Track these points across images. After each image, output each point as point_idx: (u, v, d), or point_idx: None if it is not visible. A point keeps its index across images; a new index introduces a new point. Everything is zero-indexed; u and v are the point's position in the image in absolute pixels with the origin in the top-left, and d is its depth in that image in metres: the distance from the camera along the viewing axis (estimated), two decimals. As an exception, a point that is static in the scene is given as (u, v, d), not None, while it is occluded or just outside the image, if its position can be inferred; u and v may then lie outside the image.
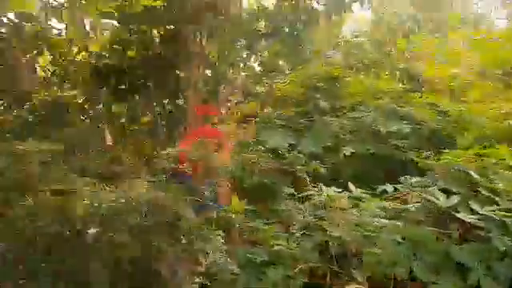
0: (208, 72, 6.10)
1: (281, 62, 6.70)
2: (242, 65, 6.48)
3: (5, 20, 4.86)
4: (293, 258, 2.85)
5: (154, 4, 5.33)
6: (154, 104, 6.30)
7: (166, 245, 2.17)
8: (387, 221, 3.01)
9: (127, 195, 2.23)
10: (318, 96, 5.82)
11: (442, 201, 3.11)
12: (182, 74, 5.90)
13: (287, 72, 6.71)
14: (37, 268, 2.04)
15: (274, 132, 5.04)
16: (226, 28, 5.69)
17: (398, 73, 6.89)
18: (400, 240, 2.85)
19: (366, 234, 2.81)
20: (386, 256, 2.73)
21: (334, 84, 6.39)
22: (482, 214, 2.97)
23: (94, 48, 6.09)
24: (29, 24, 4.89)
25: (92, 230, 2.11)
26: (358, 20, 8.77)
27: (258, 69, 6.71)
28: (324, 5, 6.26)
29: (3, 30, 4.67)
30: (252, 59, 6.66)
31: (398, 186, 3.83)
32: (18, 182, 2.24)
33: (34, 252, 2.03)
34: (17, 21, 4.88)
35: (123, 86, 6.01)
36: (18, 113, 5.07)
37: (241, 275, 2.74)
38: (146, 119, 6.35)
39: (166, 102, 6.29)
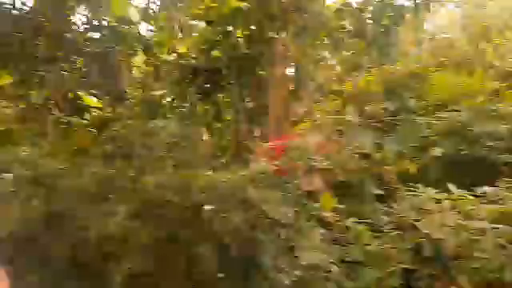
0: (292, 70, 6.14)
1: (363, 60, 6.57)
2: (324, 63, 6.45)
3: (105, 23, 5.25)
4: (386, 258, 2.80)
5: (239, 5, 5.51)
6: (238, 102, 6.46)
7: (268, 238, 2.25)
8: (488, 224, 2.87)
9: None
10: (405, 94, 5.67)
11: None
12: (266, 73, 5.99)
13: (369, 69, 6.60)
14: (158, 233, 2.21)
15: (358, 131, 4.97)
16: (310, 26, 5.69)
17: (491, 70, 6.51)
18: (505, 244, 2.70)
19: (469, 236, 2.70)
20: (491, 260, 2.59)
21: (418, 82, 6.21)
22: None
23: (182, 49, 6.39)
24: (125, 27, 5.23)
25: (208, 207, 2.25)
26: (445, 15, 8.39)
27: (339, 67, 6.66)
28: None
29: (105, 33, 5.02)
30: (334, 57, 6.61)
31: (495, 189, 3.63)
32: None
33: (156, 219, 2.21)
34: (116, 24, 5.24)
35: (209, 85, 6.24)
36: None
37: (333, 273, 2.74)
38: (228, 117, 6.55)
39: (249, 100, 6.43)
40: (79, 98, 5.13)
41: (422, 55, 6.97)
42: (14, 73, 4.71)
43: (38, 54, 4.51)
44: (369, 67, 6.76)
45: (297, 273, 2.37)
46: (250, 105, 6.50)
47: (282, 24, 5.61)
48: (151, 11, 4.92)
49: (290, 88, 6.05)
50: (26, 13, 4.51)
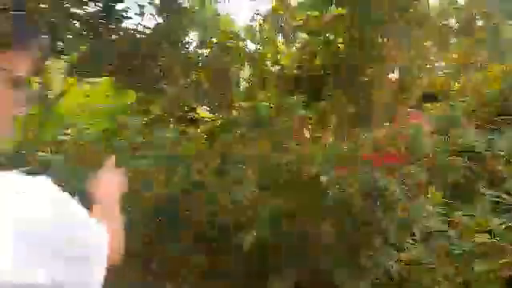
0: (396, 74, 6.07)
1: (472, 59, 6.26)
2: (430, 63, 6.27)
3: (214, 40, 5.74)
4: (498, 250, 2.69)
5: (341, 12, 5.64)
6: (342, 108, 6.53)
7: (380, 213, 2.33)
8: None
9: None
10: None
11: None
12: (368, 78, 6.00)
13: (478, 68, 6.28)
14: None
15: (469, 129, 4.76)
16: (414, 28, 5.61)
17: None
18: None
19: None
20: None
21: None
22: None
23: (284, 60, 6.68)
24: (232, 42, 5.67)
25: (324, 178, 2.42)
26: None
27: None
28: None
29: (214, 49, 5.50)
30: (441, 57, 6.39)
31: None
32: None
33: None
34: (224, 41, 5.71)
35: (312, 94, 6.42)
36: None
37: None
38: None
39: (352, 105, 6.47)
40: (193, 109, 5.65)
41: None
42: (138, 90, 5.37)
43: (158, 71, 5.12)
44: (478, 66, 6.44)
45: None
46: (354, 110, 6.54)
47: (385, 27, 5.62)
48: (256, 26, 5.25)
49: (395, 90, 6.00)
50: (148, 35, 5.13)
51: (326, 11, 5.28)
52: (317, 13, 5.53)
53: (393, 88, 5.64)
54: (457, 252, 2.74)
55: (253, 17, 5.24)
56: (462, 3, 5.87)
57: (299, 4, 5.10)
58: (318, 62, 6.45)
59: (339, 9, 5.39)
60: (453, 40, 6.09)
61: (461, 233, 2.87)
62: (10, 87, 0.76)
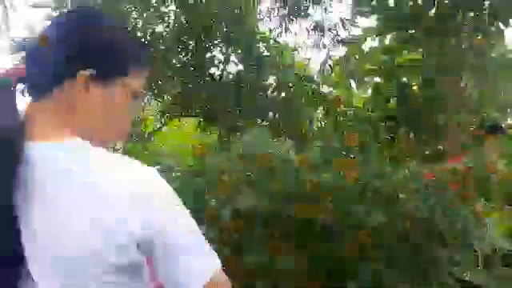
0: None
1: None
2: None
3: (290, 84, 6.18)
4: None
5: (417, 57, 5.85)
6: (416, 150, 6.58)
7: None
8: None
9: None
10: None
11: None
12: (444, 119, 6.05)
13: None
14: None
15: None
16: (487, 67, 5.66)
17: None
18: None
19: None
20: None
21: None
22: None
23: (357, 102, 6.93)
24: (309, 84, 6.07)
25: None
26: None
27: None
28: None
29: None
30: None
31: None
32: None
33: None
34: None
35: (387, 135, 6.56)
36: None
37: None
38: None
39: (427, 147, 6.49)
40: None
41: None
42: (220, 125, 5.89)
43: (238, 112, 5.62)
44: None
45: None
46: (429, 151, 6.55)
47: (458, 69, 5.71)
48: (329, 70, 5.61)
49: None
50: (232, 80, 5.70)
51: (399, 55, 5.50)
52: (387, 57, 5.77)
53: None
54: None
55: (326, 60, 5.60)
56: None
57: (371, 49, 5.39)
58: (391, 105, 6.62)
59: (413, 53, 5.59)
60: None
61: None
62: (130, 99, 0.97)
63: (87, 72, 0.88)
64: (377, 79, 6.54)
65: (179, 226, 0.91)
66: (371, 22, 5.14)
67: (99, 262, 0.82)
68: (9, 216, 0.82)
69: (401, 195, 2.74)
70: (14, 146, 0.83)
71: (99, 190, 0.83)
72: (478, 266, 2.96)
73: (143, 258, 0.89)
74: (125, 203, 0.83)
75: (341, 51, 5.53)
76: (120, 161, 0.90)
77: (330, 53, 5.36)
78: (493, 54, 6.43)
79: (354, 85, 6.73)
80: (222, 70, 6.06)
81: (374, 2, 4.90)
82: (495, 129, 4.55)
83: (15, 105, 0.88)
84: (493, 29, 5.40)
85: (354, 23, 5.09)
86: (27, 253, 0.83)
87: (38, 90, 0.91)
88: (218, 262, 0.94)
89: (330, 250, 2.65)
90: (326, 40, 5.16)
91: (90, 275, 0.83)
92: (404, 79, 6.24)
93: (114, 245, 0.82)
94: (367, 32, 5.14)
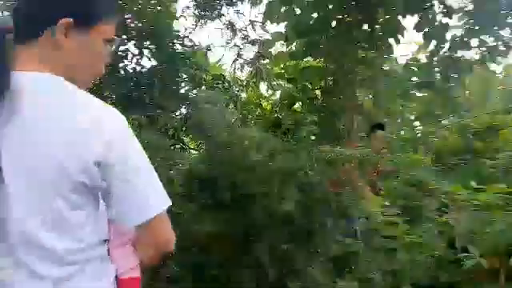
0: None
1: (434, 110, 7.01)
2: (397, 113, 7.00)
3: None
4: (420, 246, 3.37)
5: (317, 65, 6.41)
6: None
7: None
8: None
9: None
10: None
11: None
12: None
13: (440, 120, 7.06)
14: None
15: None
16: (379, 79, 6.38)
17: None
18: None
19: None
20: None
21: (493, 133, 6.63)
22: None
23: (266, 105, 7.36)
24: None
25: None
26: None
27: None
28: (480, 53, 6.53)
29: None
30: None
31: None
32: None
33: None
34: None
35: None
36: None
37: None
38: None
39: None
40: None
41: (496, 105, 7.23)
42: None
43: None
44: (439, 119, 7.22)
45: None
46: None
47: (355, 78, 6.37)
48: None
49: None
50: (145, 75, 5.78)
51: (302, 61, 5.98)
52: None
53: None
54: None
55: (236, 60, 5.91)
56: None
57: (277, 54, 5.81)
58: (297, 107, 7.15)
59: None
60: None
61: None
62: (104, 45, 1.11)
63: (66, 20, 1.03)
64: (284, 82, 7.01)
65: (138, 155, 1.05)
66: (281, 27, 5.56)
67: (66, 178, 0.97)
68: None
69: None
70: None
71: (72, 116, 0.99)
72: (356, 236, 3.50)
73: (102, 184, 1.02)
74: (92, 128, 0.99)
75: (252, 53, 5.87)
76: (89, 95, 1.06)
77: (241, 53, 5.68)
78: (385, 67, 7.25)
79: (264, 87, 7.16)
80: (136, 65, 6.09)
81: (283, 9, 5.33)
82: (379, 127, 5.23)
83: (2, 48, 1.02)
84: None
85: (264, 27, 5.48)
86: (3, 163, 0.96)
87: (24, 38, 1.05)
88: (169, 200, 1.09)
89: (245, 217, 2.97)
90: (237, 40, 5.47)
91: (58, 189, 0.98)
92: (308, 84, 6.75)
93: (78, 163, 0.97)
94: (276, 37, 5.55)
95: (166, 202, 1.08)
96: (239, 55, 5.41)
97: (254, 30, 4.95)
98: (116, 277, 1.15)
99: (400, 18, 6.13)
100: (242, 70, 5.76)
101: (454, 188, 4.38)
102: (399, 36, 6.56)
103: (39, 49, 1.04)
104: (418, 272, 3.59)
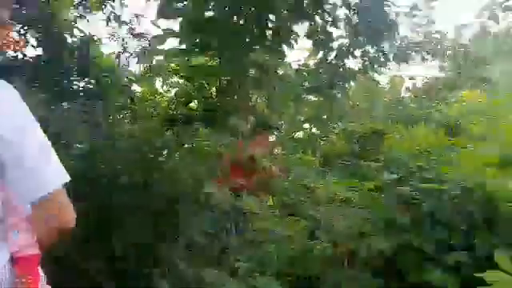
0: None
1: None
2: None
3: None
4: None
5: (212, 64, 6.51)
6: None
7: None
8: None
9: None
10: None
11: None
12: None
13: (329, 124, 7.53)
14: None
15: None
16: (273, 82, 6.66)
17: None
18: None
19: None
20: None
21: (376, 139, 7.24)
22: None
23: (162, 102, 7.30)
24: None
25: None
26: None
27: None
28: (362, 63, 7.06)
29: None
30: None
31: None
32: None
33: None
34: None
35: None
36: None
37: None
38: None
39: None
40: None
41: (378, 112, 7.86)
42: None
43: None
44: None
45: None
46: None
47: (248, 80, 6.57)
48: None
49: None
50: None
51: (192, 59, 6.03)
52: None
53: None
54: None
55: (120, 53, 5.81)
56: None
57: (169, 50, 5.81)
58: (193, 105, 7.19)
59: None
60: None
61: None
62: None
63: None
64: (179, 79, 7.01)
65: (34, 131, 1.05)
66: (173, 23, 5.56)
67: None
68: None
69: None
70: None
71: None
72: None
73: None
74: None
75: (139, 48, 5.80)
76: None
77: (126, 46, 5.59)
78: (280, 71, 7.56)
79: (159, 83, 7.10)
80: (19, 53, 5.77)
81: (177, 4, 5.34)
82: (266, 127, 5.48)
83: None
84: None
85: (155, 22, 5.45)
86: None
87: None
88: (67, 176, 1.08)
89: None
90: (122, 32, 5.39)
91: None
92: (203, 82, 6.83)
93: None
94: (168, 33, 5.54)
95: (64, 178, 1.07)
96: (125, 49, 5.34)
97: (139, 24, 4.91)
98: (12, 256, 1.14)
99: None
100: (128, 64, 5.68)
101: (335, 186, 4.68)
102: (293, 42, 6.93)
103: None
104: (283, 261, 3.82)
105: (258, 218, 3.97)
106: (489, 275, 2.83)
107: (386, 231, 3.68)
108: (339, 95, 7.14)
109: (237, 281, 3.50)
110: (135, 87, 6.97)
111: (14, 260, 1.13)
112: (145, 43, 5.60)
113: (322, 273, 3.71)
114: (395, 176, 4.09)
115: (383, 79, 9.13)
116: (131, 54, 5.66)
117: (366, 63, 6.95)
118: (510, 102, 7.67)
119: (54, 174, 1.07)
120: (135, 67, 6.16)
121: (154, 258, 3.17)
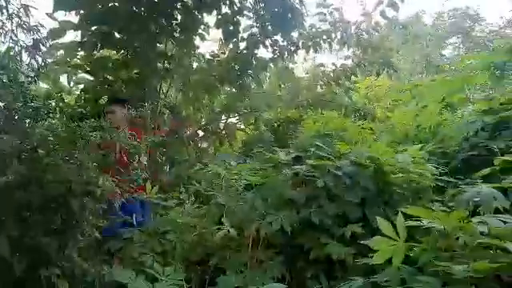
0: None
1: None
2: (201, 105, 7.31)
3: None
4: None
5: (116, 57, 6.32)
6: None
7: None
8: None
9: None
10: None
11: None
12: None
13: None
14: None
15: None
16: (180, 74, 6.59)
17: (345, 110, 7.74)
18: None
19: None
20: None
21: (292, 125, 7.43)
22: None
23: (69, 100, 6.98)
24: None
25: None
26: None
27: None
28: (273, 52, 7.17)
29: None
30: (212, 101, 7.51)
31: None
32: None
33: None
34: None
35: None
36: None
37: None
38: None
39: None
40: None
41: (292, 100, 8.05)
42: None
43: None
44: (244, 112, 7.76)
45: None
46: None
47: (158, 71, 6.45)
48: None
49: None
50: None
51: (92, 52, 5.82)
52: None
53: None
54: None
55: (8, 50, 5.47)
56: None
57: (67, 44, 5.57)
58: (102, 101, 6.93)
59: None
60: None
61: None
62: None
63: None
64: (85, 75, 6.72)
65: None
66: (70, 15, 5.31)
67: None
68: None
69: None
70: None
71: None
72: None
73: None
74: None
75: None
76: None
77: (15, 39, 5.24)
78: (195, 63, 7.52)
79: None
80: None
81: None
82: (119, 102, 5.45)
83: None
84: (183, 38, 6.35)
85: (51, 15, 5.17)
86: None
87: None
88: None
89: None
90: (9, 26, 5.04)
91: None
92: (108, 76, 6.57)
93: None
94: (65, 25, 5.30)
95: None
96: (15, 42, 5.00)
97: (28, 16, 4.60)
98: None
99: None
100: (20, 59, 5.33)
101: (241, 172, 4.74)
102: (204, 33, 6.90)
103: None
104: (188, 249, 3.81)
105: (160, 208, 3.94)
106: (374, 242, 3.01)
107: (284, 209, 3.78)
108: (253, 85, 7.22)
109: (140, 274, 3.45)
110: (42, 85, 6.62)
111: None
112: (39, 37, 5.27)
113: (226, 256, 3.74)
114: (292, 156, 4.20)
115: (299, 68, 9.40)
116: (24, 49, 5.31)
117: (277, 52, 7.09)
118: (412, 88, 8.22)
119: None
120: (34, 63, 5.79)
121: (50, 258, 3.02)
